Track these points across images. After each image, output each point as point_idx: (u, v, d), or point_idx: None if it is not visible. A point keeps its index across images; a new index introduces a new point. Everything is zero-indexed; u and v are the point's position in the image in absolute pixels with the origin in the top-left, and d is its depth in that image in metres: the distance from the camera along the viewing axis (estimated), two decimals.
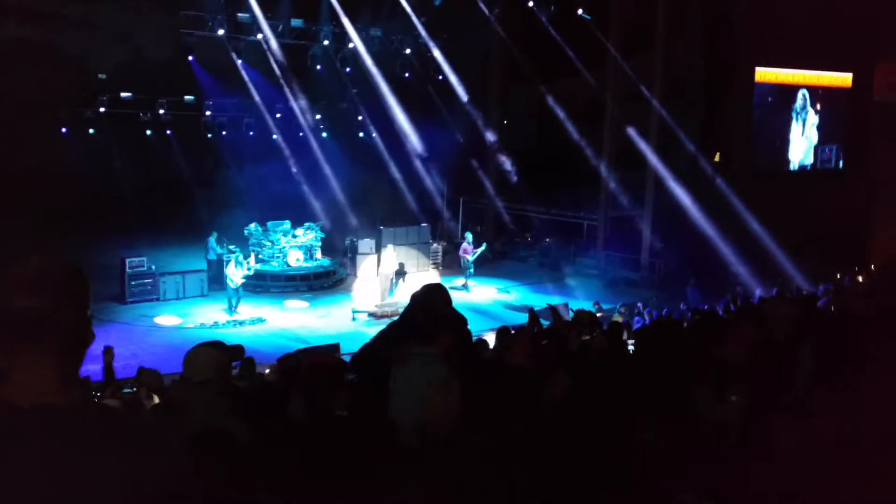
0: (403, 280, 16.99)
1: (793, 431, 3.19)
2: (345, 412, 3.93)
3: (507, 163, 22.83)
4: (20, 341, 1.54)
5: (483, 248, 18.72)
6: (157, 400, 5.79)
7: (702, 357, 4.43)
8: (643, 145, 19.82)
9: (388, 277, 17.11)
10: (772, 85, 21.66)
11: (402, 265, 17.53)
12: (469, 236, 18.99)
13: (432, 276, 18.55)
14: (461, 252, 18.80)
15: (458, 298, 17.53)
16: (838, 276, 15.39)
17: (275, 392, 5.22)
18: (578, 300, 17.39)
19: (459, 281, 18.62)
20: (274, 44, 20.08)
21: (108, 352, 7.32)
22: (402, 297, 16.79)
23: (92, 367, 9.79)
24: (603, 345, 6.04)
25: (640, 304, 15.36)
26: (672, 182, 19.52)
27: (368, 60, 21.67)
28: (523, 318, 16.01)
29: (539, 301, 17.45)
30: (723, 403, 3.83)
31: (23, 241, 16.15)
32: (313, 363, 3.93)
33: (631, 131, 19.97)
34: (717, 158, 21.34)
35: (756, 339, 4.67)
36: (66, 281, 1.63)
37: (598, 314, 15.22)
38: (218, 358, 3.86)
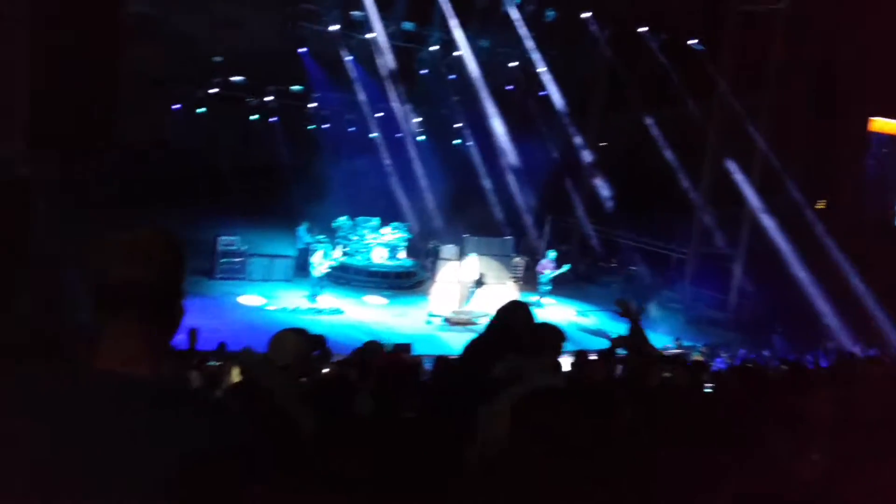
0: (481, 290, 16.99)
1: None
2: (413, 414, 3.94)
3: (600, 185, 22.53)
4: (116, 310, 1.55)
5: (564, 269, 18.47)
6: (236, 378, 5.94)
7: (785, 408, 4.25)
8: (743, 182, 19.22)
9: (466, 286, 17.13)
10: (890, 136, 20.69)
11: (482, 275, 17.52)
12: (551, 254, 18.81)
13: (511, 290, 18.48)
14: (538, 268, 18.67)
15: (538, 317, 17.40)
16: None
17: (346, 385, 5.28)
18: (658, 334, 16.96)
19: (535, 298, 18.48)
20: (384, 44, 20.41)
21: (193, 333, 7.58)
22: (477, 306, 16.78)
23: (179, 338, 10.16)
24: (684, 381, 5.85)
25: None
26: (770, 224, 18.84)
27: (473, 69, 21.77)
28: (599, 343, 15.77)
29: (617, 329, 17.14)
30: (803, 460, 3.66)
31: (124, 212, 16.94)
32: (387, 362, 3.96)
33: (731, 167, 19.39)
34: (821, 205, 20.52)
35: (844, 398, 4.45)
36: (167, 255, 1.64)
37: (679, 351, 14.90)
38: (301, 344, 3.94)
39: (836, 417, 3.78)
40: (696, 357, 13.46)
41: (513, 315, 3.99)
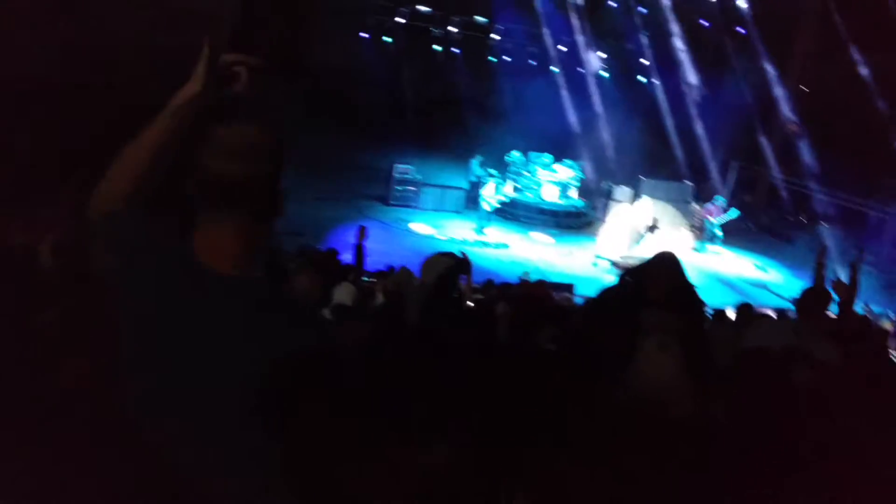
0: (652, 234, 16.41)
1: None
2: (552, 346, 3.93)
3: (797, 132, 20.78)
4: (215, 203, 1.56)
5: (731, 215, 17.42)
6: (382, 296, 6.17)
7: None
8: None
9: (637, 230, 16.62)
10: None
11: (655, 220, 16.91)
12: (719, 199, 17.77)
13: (685, 237, 17.74)
14: (704, 213, 17.72)
15: (707, 265, 16.77)
16: None
17: (487, 312, 5.36)
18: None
19: (712, 247, 17.64)
20: None
21: (362, 231, 7.69)
22: (647, 251, 16.26)
23: (347, 257, 10.72)
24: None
25: None
26: None
27: (667, 1, 20.60)
28: (773, 301, 14.85)
29: (797, 288, 16.01)
30: None
31: (313, 132, 17.85)
32: (526, 293, 3.96)
33: None
34: None
35: None
36: (267, 150, 1.61)
37: (867, 317, 13.71)
38: (444, 264, 4.03)
39: None
40: (886, 324, 12.33)
41: (651, 267, 3.86)
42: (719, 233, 17.52)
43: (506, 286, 7.05)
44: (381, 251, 13.27)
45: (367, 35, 21.81)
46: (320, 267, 6.81)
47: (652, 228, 16.77)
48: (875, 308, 14.19)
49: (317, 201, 15.75)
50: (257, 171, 1.58)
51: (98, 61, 6.27)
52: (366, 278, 7.76)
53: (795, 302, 4.90)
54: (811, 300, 4.76)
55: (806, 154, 20.35)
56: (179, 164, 1.65)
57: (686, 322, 3.79)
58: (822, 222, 19.53)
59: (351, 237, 14.05)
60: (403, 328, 3.61)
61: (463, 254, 4.41)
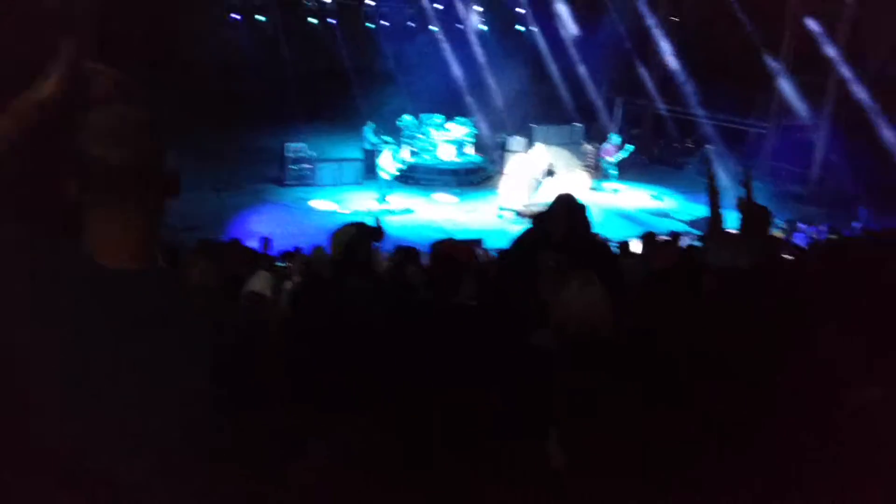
0: (550, 179, 16.73)
1: None
2: (473, 302, 3.97)
3: (671, 61, 21.49)
4: (100, 193, 1.45)
5: (627, 150, 18.02)
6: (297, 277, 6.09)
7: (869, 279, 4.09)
8: (829, 46, 17.98)
9: (536, 177, 16.91)
10: None
11: (551, 164, 17.23)
12: (614, 137, 18.31)
13: (582, 178, 18.18)
14: (601, 153, 18.26)
15: (607, 202, 17.25)
16: None
17: (402, 275, 5.36)
18: (735, 211, 16.49)
19: (609, 185, 18.17)
20: None
21: (266, 242, 7.74)
22: (548, 197, 16.59)
23: (253, 244, 10.49)
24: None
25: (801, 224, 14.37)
26: (858, 90, 17.68)
27: None
28: (674, 227, 15.47)
29: (693, 211, 16.74)
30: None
31: (192, 125, 17.23)
32: (441, 251, 3.97)
33: (816, 29, 18.12)
34: None
35: None
36: (144, 129, 1.50)
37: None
38: (352, 234, 4.00)
39: None
40: (776, 233, 13.06)
41: (552, 211, 3.99)
42: (614, 171, 18.05)
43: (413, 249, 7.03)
44: (285, 234, 13.06)
45: (238, 16, 21.13)
46: (219, 256, 6.66)
47: (549, 173, 17.09)
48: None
49: (212, 192, 15.29)
50: (139, 151, 1.47)
51: None
52: (280, 263, 7.61)
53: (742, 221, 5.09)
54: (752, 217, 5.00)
55: (684, 82, 21.08)
56: (56, 162, 1.54)
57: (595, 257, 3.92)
58: (708, 145, 20.35)
59: (253, 224, 13.86)
60: (322, 304, 3.57)
61: (377, 220, 4.38)
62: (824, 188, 17.94)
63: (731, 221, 5.36)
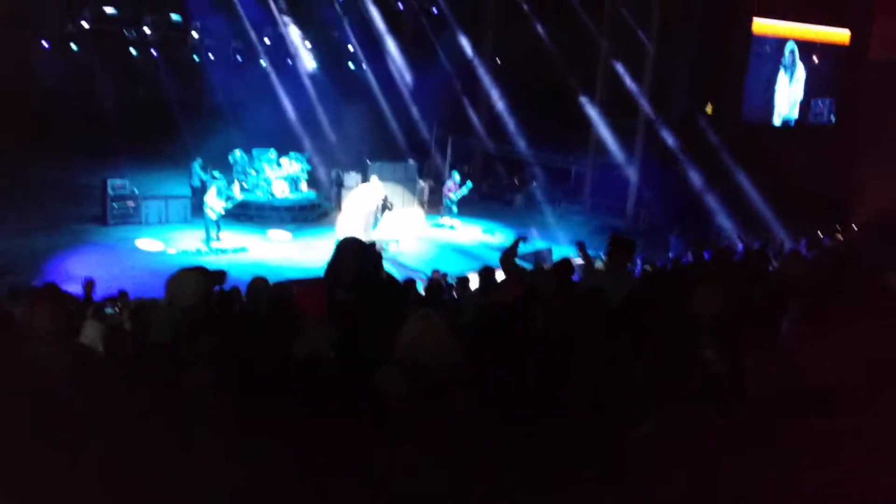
0: (387, 213, 16.90)
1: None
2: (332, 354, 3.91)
3: (497, 102, 22.52)
4: None
5: (467, 187, 18.66)
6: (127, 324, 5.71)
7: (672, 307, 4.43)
8: (636, 91, 19.59)
9: (371, 212, 17.01)
10: (765, 37, 21.35)
11: (386, 198, 17.41)
12: (455, 175, 18.89)
13: (417, 213, 18.53)
14: (445, 190, 18.77)
15: (442, 238, 17.61)
16: (819, 234, 15.48)
17: (260, 322, 5.17)
18: (562, 245, 17.41)
19: (446, 220, 18.60)
20: None
21: (89, 284, 7.22)
22: (384, 233, 16.74)
23: (74, 289, 9.74)
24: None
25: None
26: (662, 130, 19.37)
27: None
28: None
29: (523, 246, 17.47)
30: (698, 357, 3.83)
31: (6, 158, 15.89)
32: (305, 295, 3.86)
33: (624, 77, 19.70)
34: (709, 109, 21.19)
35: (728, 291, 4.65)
36: None
37: (581, 261, 15.33)
38: (201, 282, 3.81)
39: (724, 311, 3.92)
40: (598, 265, 13.89)
41: (339, 254, 4.10)
42: (454, 208, 18.54)
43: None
44: (109, 277, 12.24)
45: (47, 44, 19.78)
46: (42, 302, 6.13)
47: (385, 208, 17.26)
48: (590, 252, 15.93)
49: (25, 234, 14.11)
50: None
51: None
52: (109, 309, 7.10)
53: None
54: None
55: (509, 122, 22.13)
56: None
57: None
58: (533, 182, 21.43)
59: (74, 267, 12.87)
60: (169, 355, 3.36)
61: (221, 272, 4.19)
62: (639, 221, 19.37)
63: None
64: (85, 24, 19.65)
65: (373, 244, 4.28)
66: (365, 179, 18.69)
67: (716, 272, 7.38)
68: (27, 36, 19.23)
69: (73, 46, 19.93)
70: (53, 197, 16.58)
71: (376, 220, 16.85)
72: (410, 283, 9.59)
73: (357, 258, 4.11)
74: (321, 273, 4.23)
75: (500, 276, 10.29)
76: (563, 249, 16.97)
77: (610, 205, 20.12)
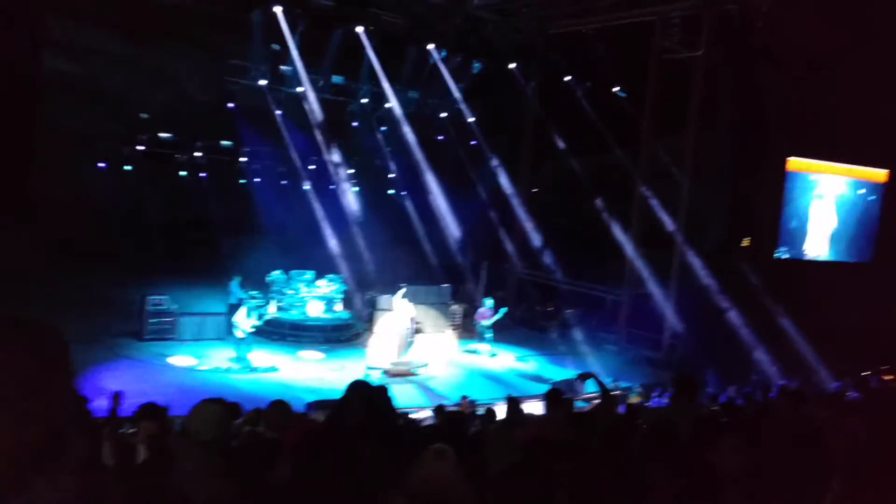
0: (418, 336, 16.93)
1: None
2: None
3: (533, 231, 22.85)
4: None
5: (501, 314, 18.57)
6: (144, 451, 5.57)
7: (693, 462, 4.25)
8: (671, 225, 19.73)
9: (404, 336, 17.01)
10: (801, 173, 21.62)
11: (417, 322, 17.49)
12: (489, 302, 18.88)
13: (449, 338, 18.48)
14: (477, 317, 18.69)
15: (474, 363, 17.46)
16: (866, 373, 15.00)
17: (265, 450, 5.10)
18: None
19: (480, 346, 18.46)
20: (313, 98, 20.48)
21: (116, 397, 7.18)
22: (416, 356, 16.67)
23: (102, 403, 9.77)
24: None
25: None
26: (697, 264, 19.34)
27: (403, 121, 22.04)
28: (539, 388, 15.79)
29: (556, 374, 17.23)
30: None
31: (52, 270, 16.40)
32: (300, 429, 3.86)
33: (659, 210, 19.93)
34: (745, 243, 21.22)
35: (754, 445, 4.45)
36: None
37: (617, 392, 15.02)
38: (220, 416, 3.82)
39: (748, 467, 3.70)
40: (634, 398, 13.60)
41: (347, 399, 4.07)
42: (489, 334, 18.40)
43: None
44: (138, 391, 12.26)
45: (104, 165, 20.77)
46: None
47: (416, 331, 17.29)
48: (622, 383, 15.64)
49: None
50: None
51: None
52: (126, 430, 7.03)
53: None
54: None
55: (542, 249, 22.37)
56: None
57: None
58: (568, 310, 21.34)
59: (105, 381, 12.95)
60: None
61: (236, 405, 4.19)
62: (674, 354, 19.03)
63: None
64: (140, 148, 20.62)
65: (384, 389, 4.24)
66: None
67: (745, 420, 7.12)
68: (87, 156, 20.24)
69: (127, 167, 20.85)
70: (95, 310, 16.95)
71: (409, 345, 16.84)
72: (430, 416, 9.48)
73: (366, 403, 4.07)
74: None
75: (530, 406, 10.09)
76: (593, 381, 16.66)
77: (645, 336, 19.86)
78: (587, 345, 19.97)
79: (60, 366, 1.51)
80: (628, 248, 20.35)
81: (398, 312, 17.47)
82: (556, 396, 6.90)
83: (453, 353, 17.99)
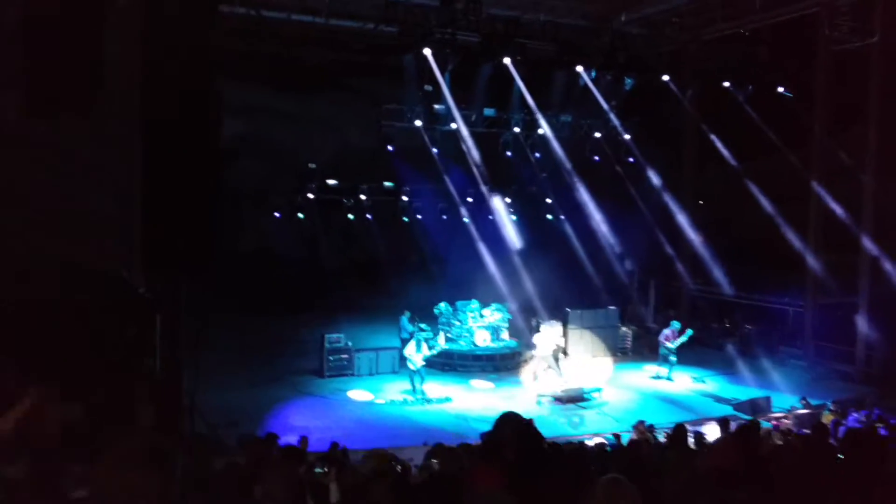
0: (564, 360, 16.77)
1: None
2: None
3: (702, 245, 21.88)
4: None
5: (687, 335, 17.73)
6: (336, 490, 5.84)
7: None
8: (854, 226, 18.21)
9: (546, 360, 16.87)
10: None
11: (559, 347, 17.34)
12: (675, 324, 18.10)
13: (605, 363, 18.22)
14: (662, 339, 17.98)
15: (650, 387, 16.94)
16: None
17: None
18: (782, 394, 16.05)
19: (662, 370, 17.85)
20: (466, 133, 20.90)
21: (304, 441, 7.65)
22: (586, 381, 16.38)
23: (291, 439, 10.39)
24: (799, 448, 5.45)
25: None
26: (890, 266, 17.67)
27: (557, 145, 21.97)
28: (722, 410, 15.02)
29: (737, 393, 16.31)
30: None
31: (241, 317, 17.70)
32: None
33: (840, 211, 18.45)
34: None
35: None
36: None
37: (806, 411, 13.99)
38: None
39: None
40: (826, 416, 12.59)
41: (499, 431, 4.01)
42: (673, 357, 17.72)
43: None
44: (322, 426, 12.95)
45: (278, 214, 22.23)
46: (254, 455, 6.56)
47: (559, 353, 17.13)
48: (812, 401, 14.54)
49: (253, 387, 15.47)
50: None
51: None
52: (318, 469, 7.40)
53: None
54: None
55: (713, 263, 21.33)
56: None
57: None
58: (747, 325, 20.19)
59: (291, 417, 13.79)
60: None
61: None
62: (872, 367, 17.47)
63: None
64: (310, 196, 21.91)
65: (531, 422, 4.22)
66: (564, 327, 18.74)
67: None
68: (263, 208, 21.79)
69: (300, 215, 22.19)
70: (279, 352, 18.13)
71: (556, 366, 16.72)
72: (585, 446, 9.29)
73: (518, 438, 4.05)
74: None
75: (709, 429, 9.63)
76: (783, 399, 15.64)
77: (836, 349, 18.37)
78: (770, 361, 18.77)
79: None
80: (808, 254, 18.97)
81: (542, 338, 17.37)
82: (726, 423, 6.57)
83: (608, 376, 17.56)
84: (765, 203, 20.29)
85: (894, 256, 17.64)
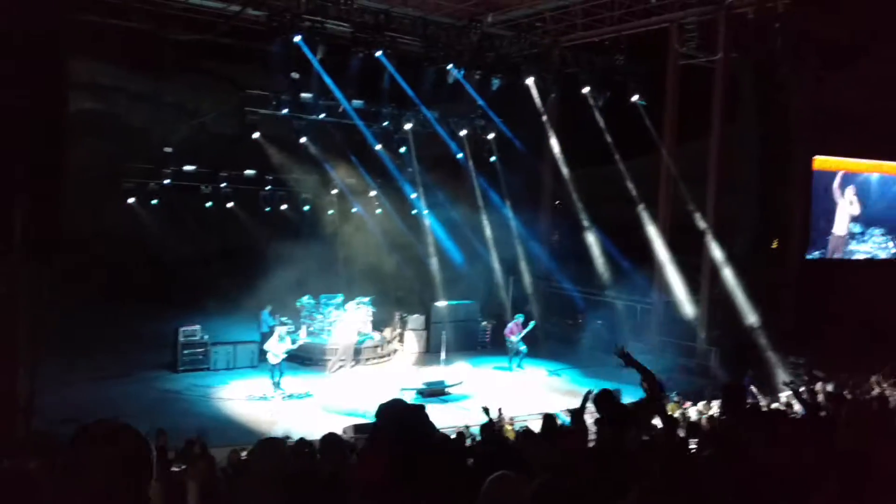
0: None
1: None
2: None
3: (557, 243, 22.73)
4: None
5: (530, 327, 18.48)
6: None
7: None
8: (700, 229, 19.50)
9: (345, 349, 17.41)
10: (827, 172, 21.25)
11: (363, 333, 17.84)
12: (519, 317, 18.77)
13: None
14: (506, 332, 18.61)
15: (506, 381, 17.37)
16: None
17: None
18: (630, 385, 16.91)
19: (511, 363, 18.38)
20: (334, 123, 20.63)
21: (160, 434, 7.25)
22: (448, 375, 16.63)
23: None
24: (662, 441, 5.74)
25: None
26: (728, 268, 19.07)
27: (421, 141, 22.16)
28: (571, 403, 15.64)
29: (589, 385, 17.04)
30: None
31: (87, 308, 16.62)
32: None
33: (686, 216, 19.72)
34: (774, 245, 20.90)
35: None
36: None
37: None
38: (285, 453, 3.86)
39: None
40: (672, 407, 13.41)
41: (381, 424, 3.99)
42: (523, 348, 18.30)
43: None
44: (176, 424, 12.38)
45: (132, 199, 21.01)
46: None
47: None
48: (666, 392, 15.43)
49: (96, 382, 14.55)
50: None
51: None
52: (174, 468, 7.07)
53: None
54: None
55: (571, 260, 22.23)
56: None
57: None
58: (598, 321, 21.14)
59: (143, 415, 13.09)
60: None
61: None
62: (709, 361, 18.75)
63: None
64: (166, 182, 20.83)
65: (421, 408, 4.14)
66: (428, 321, 18.99)
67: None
68: (113, 193, 20.51)
69: (154, 201, 21.08)
70: (127, 345, 17.17)
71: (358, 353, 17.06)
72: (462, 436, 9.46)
73: (400, 427, 3.94)
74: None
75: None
76: (630, 390, 16.48)
77: (679, 344, 19.61)
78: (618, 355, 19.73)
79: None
80: (658, 254, 20.12)
81: (347, 324, 17.89)
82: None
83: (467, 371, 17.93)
84: (620, 204, 21.33)
85: (733, 260, 19.02)
